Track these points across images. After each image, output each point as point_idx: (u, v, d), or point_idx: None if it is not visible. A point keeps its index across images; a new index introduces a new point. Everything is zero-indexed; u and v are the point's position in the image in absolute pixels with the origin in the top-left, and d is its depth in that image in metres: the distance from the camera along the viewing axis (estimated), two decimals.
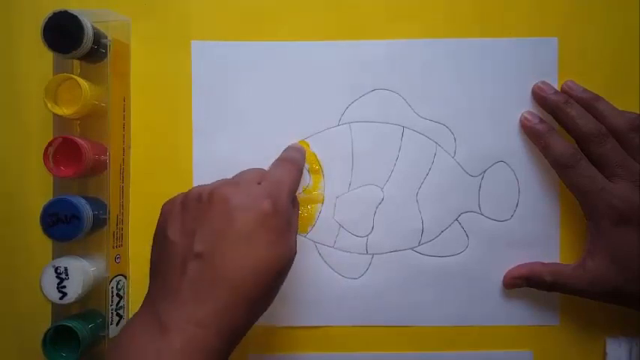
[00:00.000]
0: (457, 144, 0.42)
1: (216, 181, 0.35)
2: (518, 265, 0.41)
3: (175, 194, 0.34)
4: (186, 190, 0.34)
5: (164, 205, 0.34)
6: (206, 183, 0.41)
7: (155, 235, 0.34)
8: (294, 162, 0.38)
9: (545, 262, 0.41)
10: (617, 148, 0.38)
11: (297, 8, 0.42)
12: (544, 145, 0.40)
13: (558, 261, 0.41)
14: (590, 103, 0.39)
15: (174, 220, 0.32)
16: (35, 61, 0.41)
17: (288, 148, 0.40)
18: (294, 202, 0.35)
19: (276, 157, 0.41)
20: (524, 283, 0.40)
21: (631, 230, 0.37)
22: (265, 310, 0.32)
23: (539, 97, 0.41)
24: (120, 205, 0.41)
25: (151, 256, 0.33)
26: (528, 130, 0.41)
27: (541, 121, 0.40)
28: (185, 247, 0.31)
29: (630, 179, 0.37)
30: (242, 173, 0.36)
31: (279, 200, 0.32)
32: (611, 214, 0.37)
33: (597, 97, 0.40)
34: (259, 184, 0.34)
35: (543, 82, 0.41)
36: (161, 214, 0.34)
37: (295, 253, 0.33)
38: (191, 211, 0.32)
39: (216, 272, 0.30)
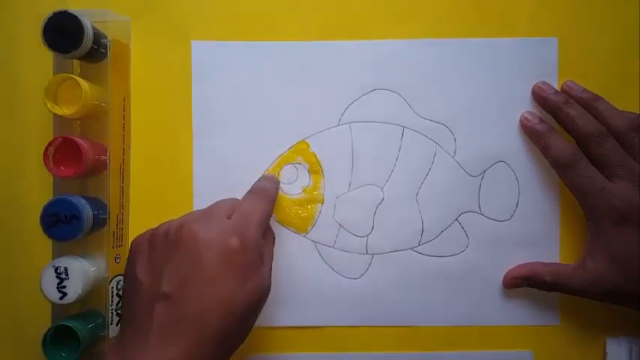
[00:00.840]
0: (457, 144, 0.42)
1: (187, 214, 0.34)
2: (519, 265, 0.41)
3: (145, 230, 0.34)
4: (156, 226, 0.34)
5: (133, 241, 0.34)
6: (205, 183, 0.41)
7: (125, 271, 0.34)
8: (265, 192, 0.37)
9: (546, 262, 0.41)
10: (617, 148, 0.38)
11: (297, 8, 0.42)
12: (544, 145, 0.40)
13: (558, 261, 0.41)
14: (590, 103, 0.39)
15: (142, 258, 0.32)
16: (35, 61, 0.41)
17: (260, 178, 0.40)
18: (266, 233, 0.35)
19: (276, 157, 0.42)
20: (524, 283, 0.40)
21: (631, 230, 0.37)
22: (241, 343, 0.32)
23: (539, 97, 0.41)
24: (120, 205, 0.41)
25: (122, 293, 0.33)
26: (528, 130, 0.41)
27: (541, 121, 0.40)
28: (152, 287, 0.31)
29: (630, 179, 0.37)
30: (215, 205, 0.36)
31: (247, 235, 0.32)
32: (611, 214, 0.37)
33: (597, 97, 0.40)
34: (229, 217, 0.33)
35: (543, 82, 0.41)
36: (130, 250, 0.34)
37: (269, 286, 0.33)
38: (159, 249, 0.32)
39: (183, 313, 0.30)
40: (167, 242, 0.32)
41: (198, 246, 0.31)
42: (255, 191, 0.38)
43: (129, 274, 0.33)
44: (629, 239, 0.37)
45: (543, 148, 0.40)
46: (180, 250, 0.31)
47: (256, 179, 0.40)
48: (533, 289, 0.40)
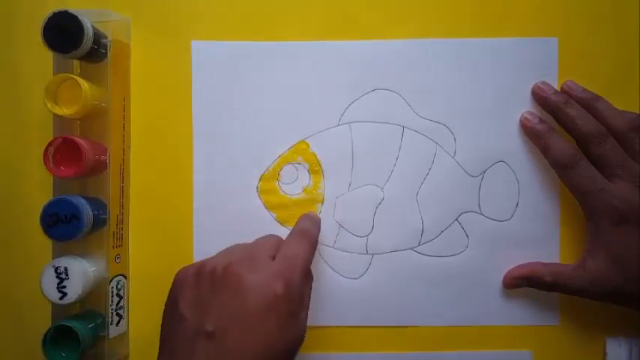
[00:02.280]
0: (457, 144, 0.42)
1: (232, 251, 0.34)
2: (519, 265, 0.41)
3: (192, 262, 0.35)
4: (201, 260, 0.34)
5: (178, 273, 0.34)
6: (205, 183, 0.41)
7: (167, 304, 0.34)
8: (309, 236, 0.37)
9: (545, 262, 0.40)
10: (617, 149, 0.38)
11: (297, 8, 0.42)
12: (544, 146, 0.40)
13: (558, 261, 0.41)
14: (590, 103, 0.39)
15: (187, 292, 0.32)
16: (35, 61, 0.41)
17: (304, 217, 0.40)
18: (307, 276, 0.35)
19: (276, 157, 0.42)
20: (524, 283, 0.40)
21: (631, 230, 0.37)
22: None
23: (539, 97, 0.41)
24: (120, 205, 0.41)
25: (162, 325, 0.33)
26: (528, 131, 0.41)
27: (541, 121, 0.40)
28: (196, 323, 0.31)
29: (630, 179, 0.37)
30: (259, 243, 0.36)
31: (291, 281, 0.32)
32: (610, 214, 0.37)
33: (597, 97, 0.40)
34: (274, 258, 0.34)
35: (543, 82, 0.41)
36: (174, 282, 0.34)
37: (305, 331, 0.33)
38: (204, 286, 0.32)
39: (225, 354, 0.30)
40: (214, 281, 0.32)
41: (244, 288, 0.31)
42: (298, 233, 0.37)
43: (171, 308, 0.33)
44: (629, 239, 0.37)
45: (543, 149, 0.40)
46: (226, 290, 0.31)
47: (254, 181, 0.40)
48: (533, 289, 0.40)
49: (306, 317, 0.34)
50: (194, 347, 0.30)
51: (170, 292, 0.34)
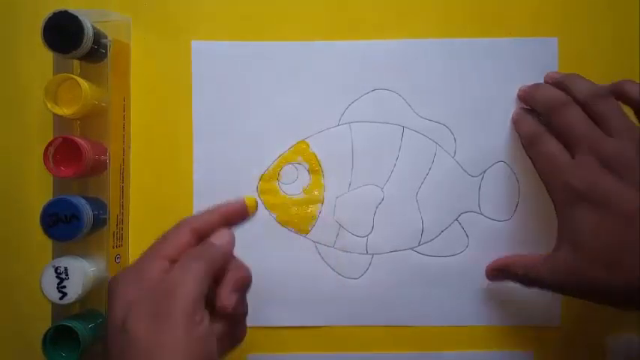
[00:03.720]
0: (457, 144, 0.42)
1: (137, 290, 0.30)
2: (503, 257, 0.39)
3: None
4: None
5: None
6: (205, 183, 0.41)
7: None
8: (208, 255, 0.31)
9: (525, 253, 0.38)
10: (580, 116, 0.34)
11: (297, 8, 0.42)
12: (514, 122, 0.39)
13: None
14: (559, 80, 0.38)
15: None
16: (35, 61, 0.41)
17: (214, 235, 0.33)
18: (191, 315, 0.28)
19: (276, 157, 0.42)
20: (500, 275, 0.38)
21: (588, 210, 0.33)
22: None
23: (523, 100, 0.40)
24: (120, 205, 0.41)
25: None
26: (512, 120, 0.41)
27: (524, 108, 0.40)
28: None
29: (594, 154, 0.33)
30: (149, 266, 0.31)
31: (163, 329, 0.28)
32: (568, 194, 0.33)
33: (569, 75, 0.38)
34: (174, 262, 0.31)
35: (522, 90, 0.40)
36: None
37: None
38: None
39: None
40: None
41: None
42: (189, 257, 0.31)
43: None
44: (587, 221, 0.33)
45: (515, 126, 0.40)
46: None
47: (254, 181, 0.40)
48: (532, 289, 0.40)
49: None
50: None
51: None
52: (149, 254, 0.31)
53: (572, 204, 0.33)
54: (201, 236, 0.32)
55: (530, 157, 0.38)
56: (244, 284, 0.32)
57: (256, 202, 0.35)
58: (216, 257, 0.31)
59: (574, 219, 0.33)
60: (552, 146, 0.35)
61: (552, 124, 0.36)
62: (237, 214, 0.34)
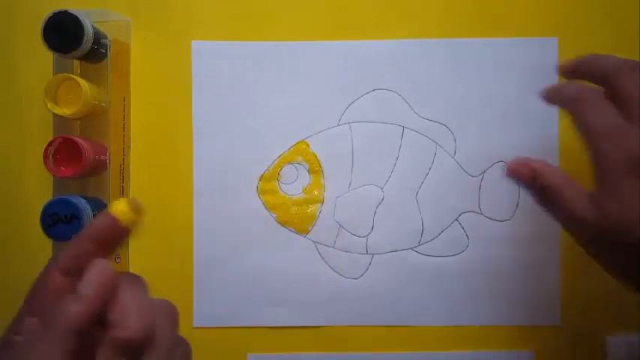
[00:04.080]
0: (457, 144, 0.42)
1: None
2: (530, 159, 0.33)
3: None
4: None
5: None
6: (205, 183, 0.41)
7: None
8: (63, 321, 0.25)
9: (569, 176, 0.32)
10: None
11: (297, 8, 0.42)
12: (554, 91, 0.34)
13: (559, 262, 0.41)
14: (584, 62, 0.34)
15: None
16: (35, 61, 0.41)
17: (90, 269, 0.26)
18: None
19: (276, 157, 0.41)
20: (525, 178, 0.32)
21: None
22: None
23: (554, 99, 0.34)
24: None
25: None
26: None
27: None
28: None
29: None
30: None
31: None
32: (626, 162, 0.29)
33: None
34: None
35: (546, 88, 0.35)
36: None
37: None
38: None
39: None
40: None
41: None
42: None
43: None
44: None
45: (552, 92, 0.34)
46: None
47: (254, 181, 0.40)
48: (533, 288, 0.40)
49: None
50: None
51: None
52: (18, 313, 0.27)
53: (629, 173, 0.29)
54: (75, 273, 0.26)
55: (574, 118, 0.32)
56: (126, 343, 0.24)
57: (130, 204, 0.27)
58: (73, 326, 0.24)
59: (630, 190, 0.29)
60: (607, 107, 0.31)
61: (609, 87, 0.31)
62: (107, 232, 0.27)
